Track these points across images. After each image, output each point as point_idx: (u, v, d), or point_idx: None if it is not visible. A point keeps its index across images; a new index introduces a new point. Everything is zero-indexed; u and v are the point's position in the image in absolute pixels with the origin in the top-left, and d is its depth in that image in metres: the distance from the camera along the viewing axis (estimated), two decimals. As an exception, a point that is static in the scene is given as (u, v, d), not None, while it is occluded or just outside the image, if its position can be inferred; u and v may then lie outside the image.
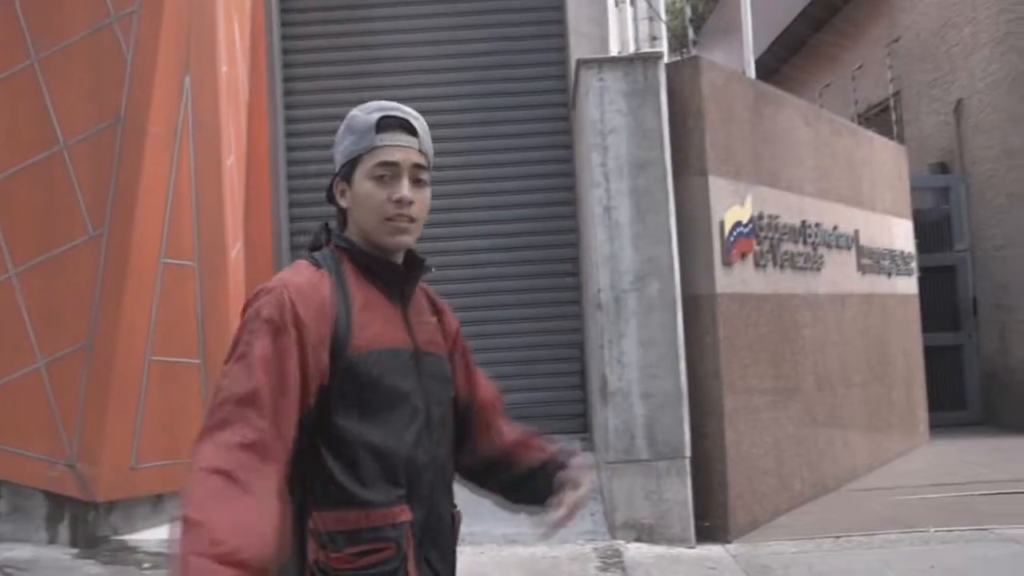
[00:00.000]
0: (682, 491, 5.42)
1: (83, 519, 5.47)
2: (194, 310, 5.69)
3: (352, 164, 1.60)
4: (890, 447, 8.17)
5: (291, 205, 6.90)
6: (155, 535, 5.47)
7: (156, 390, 5.49)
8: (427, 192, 1.64)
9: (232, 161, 6.22)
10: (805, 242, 6.92)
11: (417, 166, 1.61)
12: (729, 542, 5.56)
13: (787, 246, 6.64)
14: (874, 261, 8.16)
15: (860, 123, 12.63)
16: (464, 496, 1.80)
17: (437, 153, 1.77)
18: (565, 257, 6.46)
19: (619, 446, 5.46)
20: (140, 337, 5.46)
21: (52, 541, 5.44)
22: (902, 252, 8.88)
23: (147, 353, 5.49)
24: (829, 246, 7.33)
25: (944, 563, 4.97)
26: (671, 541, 5.38)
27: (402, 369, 1.57)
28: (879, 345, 8.12)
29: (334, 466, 1.49)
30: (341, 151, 1.62)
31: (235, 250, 6.23)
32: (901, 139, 10.96)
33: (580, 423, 6.25)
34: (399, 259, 1.64)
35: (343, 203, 1.63)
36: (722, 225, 5.82)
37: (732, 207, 5.91)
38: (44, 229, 5.48)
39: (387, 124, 1.59)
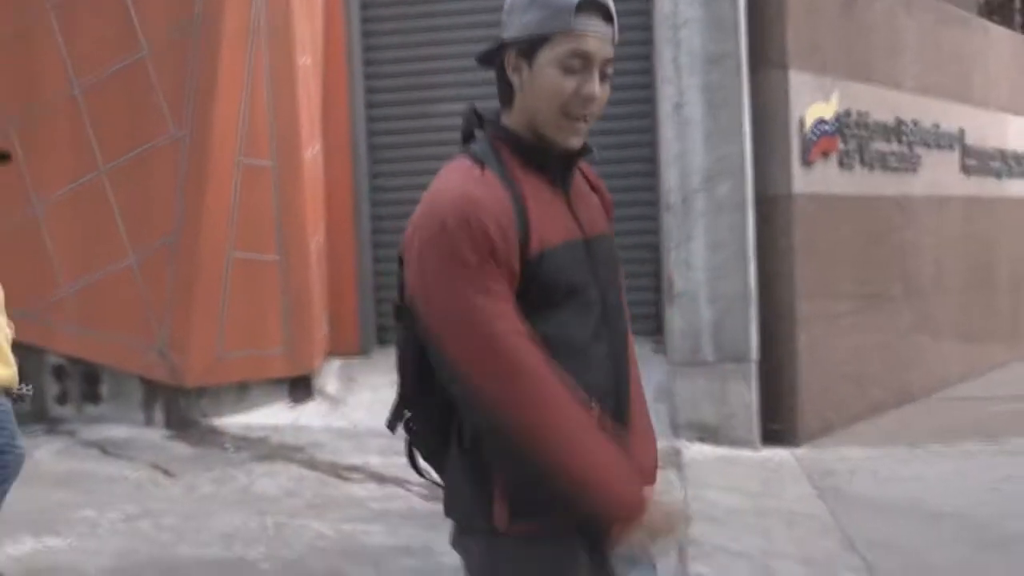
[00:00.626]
0: (747, 394, 5.35)
1: (175, 403, 5.88)
2: (271, 209, 5.88)
3: (536, 42, 1.41)
4: (991, 356, 7.79)
5: (368, 106, 6.92)
6: (240, 420, 5.84)
7: (238, 285, 5.76)
8: (608, 87, 1.48)
9: (307, 61, 6.29)
10: (900, 141, 6.52)
11: (608, 60, 1.45)
12: (798, 446, 5.49)
13: (878, 145, 6.28)
14: (982, 162, 7.63)
15: (983, 12, 11.65)
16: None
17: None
18: (640, 157, 6.26)
19: (684, 348, 5.41)
20: (222, 234, 5.70)
21: (148, 423, 5.88)
22: (1018, 152, 8.26)
23: (229, 250, 5.74)
24: (928, 145, 6.89)
25: (1021, 475, 4.78)
26: (734, 443, 5.35)
27: (576, 262, 1.46)
28: (983, 251, 7.67)
29: None
30: (524, 22, 1.42)
31: (312, 151, 6.36)
32: (1029, 29, 10.06)
33: (653, 324, 6.17)
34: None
35: (515, 80, 1.44)
36: (802, 122, 5.54)
37: (815, 103, 5.61)
38: (130, 129, 5.74)
39: (587, 5, 1.40)
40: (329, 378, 6.52)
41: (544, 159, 1.47)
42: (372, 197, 6.99)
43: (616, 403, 1.50)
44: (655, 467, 1.62)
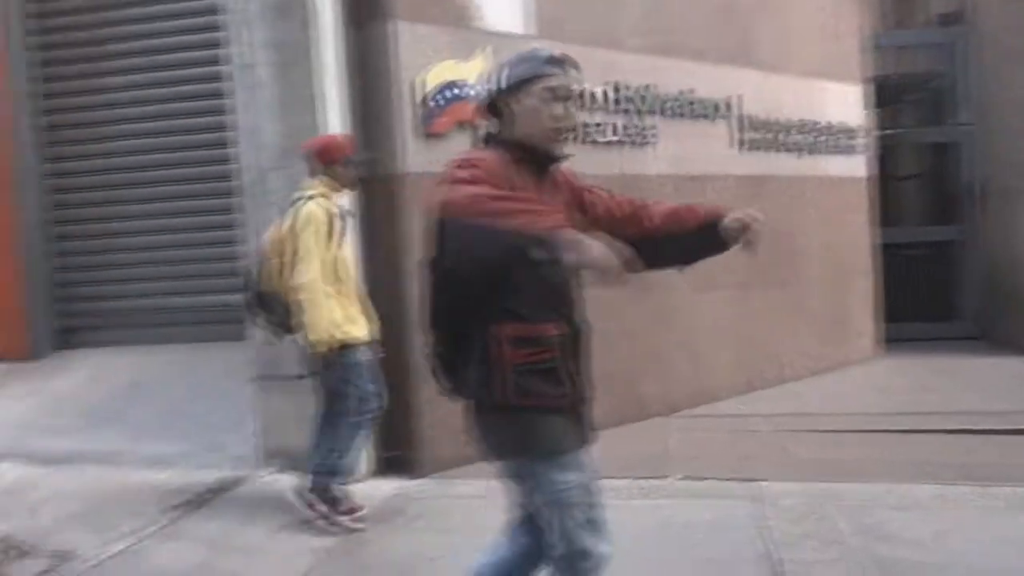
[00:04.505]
0: (339, 415, 4.43)
1: None
2: None
3: (520, 84, 2.11)
4: (789, 365, 6.69)
5: (44, 68, 6.13)
6: None
7: None
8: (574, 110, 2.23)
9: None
10: (614, 110, 5.50)
11: (571, 97, 2.19)
12: (419, 477, 4.57)
13: (579, 115, 5.26)
14: (771, 135, 6.51)
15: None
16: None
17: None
18: (217, 131, 5.30)
19: (266, 359, 4.53)
20: None
21: None
22: (839, 125, 7.09)
23: None
24: (674, 115, 5.83)
25: (623, 526, 3.78)
26: (326, 473, 4.45)
27: None
28: (774, 239, 6.53)
29: (511, 297, 2.05)
30: (512, 74, 2.13)
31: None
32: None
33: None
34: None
35: (515, 108, 2.13)
36: (417, 86, 4.57)
37: (441, 63, 4.64)
38: None
39: (554, 60, 2.15)
40: (-31, 387, 5.81)
41: (537, 156, 2.17)
42: (49, 183, 6.24)
43: (572, 327, 2.17)
44: None
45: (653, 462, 4.74)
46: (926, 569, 3.22)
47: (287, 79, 4.35)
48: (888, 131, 8.03)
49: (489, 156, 2.07)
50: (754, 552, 3.45)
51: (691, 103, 5.91)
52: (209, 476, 4.45)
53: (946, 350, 7.85)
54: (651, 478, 4.43)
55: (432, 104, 4.60)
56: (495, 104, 2.18)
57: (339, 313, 3.68)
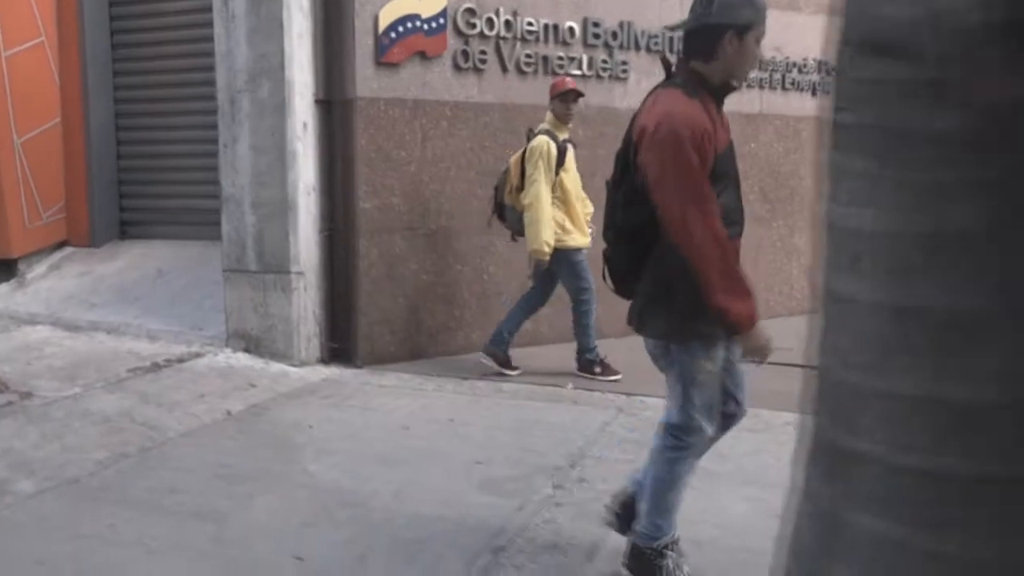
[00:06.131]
0: (286, 307, 5.13)
1: None
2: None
3: (748, 27, 2.33)
4: (766, 303, 6.83)
5: (112, 4, 7.03)
6: None
7: None
8: None
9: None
10: (587, 45, 5.77)
11: None
12: (356, 367, 5.23)
13: (537, 48, 5.60)
14: (769, 74, 6.55)
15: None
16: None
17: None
18: (206, 55, 5.90)
19: (232, 255, 5.26)
20: None
21: None
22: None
23: None
24: (653, 51, 6.02)
25: (488, 418, 4.31)
26: (275, 356, 5.18)
27: (731, 156, 2.44)
28: (768, 177, 6.65)
29: None
30: (740, 15, 2.33)
31: (24, 47, 6.65)
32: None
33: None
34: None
35: (728, 47, 2.34)
36: (376, 20, 5.06)
37: (396, -1, 5.09)
38: None
39: (766, 9, 2.41)
40: (41, 265, 6.93)
41: (722, 94, 2.43)
42: (115, 95, 7.18)
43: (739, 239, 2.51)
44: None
45: (568, 374, 5.16)
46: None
47: (258, 11, 4.95)
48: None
49: (696, 110, 2.30)
50: (570, 447, 3.88)
51: (672, 39, 6.07)
52: (179, 349, 5.29)
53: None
54: (550, 385, 4.89)
55: (388, 36, 5.09)
56: (701, 35, 2.35)
57: (558, 224, 4.73)
